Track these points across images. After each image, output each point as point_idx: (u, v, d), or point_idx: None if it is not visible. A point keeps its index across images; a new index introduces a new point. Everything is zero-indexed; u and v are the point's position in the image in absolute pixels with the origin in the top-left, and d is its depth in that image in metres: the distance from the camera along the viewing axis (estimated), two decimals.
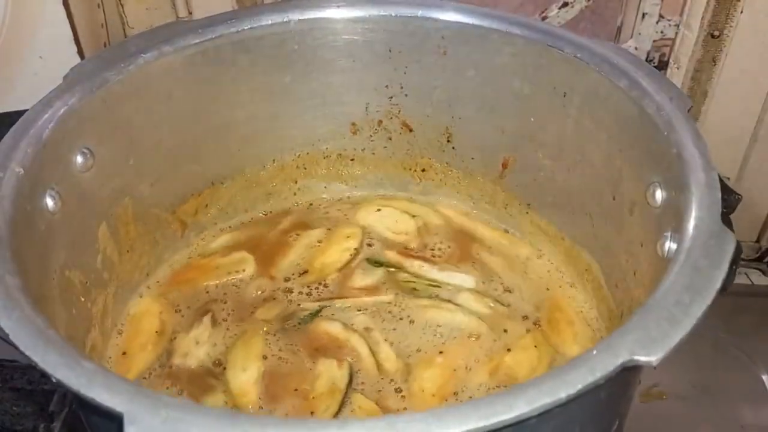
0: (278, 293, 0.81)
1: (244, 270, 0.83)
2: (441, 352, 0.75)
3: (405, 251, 0.85)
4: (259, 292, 0.81)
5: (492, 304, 0.79)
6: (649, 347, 0.46)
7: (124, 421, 0.44)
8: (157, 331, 0.77)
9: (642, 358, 0.46)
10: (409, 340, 0.76)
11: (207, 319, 0.78)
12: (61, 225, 0.67)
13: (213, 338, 0.77)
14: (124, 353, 0.76)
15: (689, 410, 0.92)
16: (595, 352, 0.46)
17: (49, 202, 0.66)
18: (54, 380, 0.48)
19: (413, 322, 0.78)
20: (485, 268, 0.83)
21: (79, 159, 0.70)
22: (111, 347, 0.76)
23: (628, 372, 0.47)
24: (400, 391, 0.72)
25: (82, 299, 0.71)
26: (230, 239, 0.88)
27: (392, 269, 0.83)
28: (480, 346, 0.75)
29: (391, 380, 0.73)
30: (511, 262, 0.84)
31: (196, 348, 0.76)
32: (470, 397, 0.71)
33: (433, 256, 0.85)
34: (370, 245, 0.86)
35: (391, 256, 0.84)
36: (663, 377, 0.94)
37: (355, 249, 0.85)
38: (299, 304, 0.80)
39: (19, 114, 0.67)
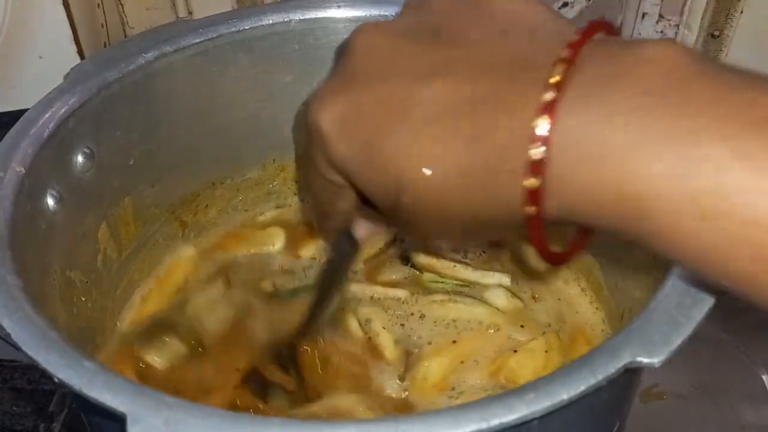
0: (298, 269, 0.83)
1: (273, 245, 0.85)
2: (454, 342, 0.74)
3: (437, 253, 0.83)
4: (281, 267, 0.83)
5: (519, 303, 0.78)
6: (651, 350, 0.46)
7: (127, 421, 0.44)
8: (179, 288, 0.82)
9: (644, 360, 0.46)
10: (418, 333, 0.76)
11: (221, 281, 0.81)
12: (62, 225, 0.67)
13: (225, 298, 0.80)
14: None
15: (689, 410, 0.92)
16: (597, 354, 0.46)
17: (50, 202, 0.66)
18: (56, 380, 0.48)
19: (424, 317, 0.77)
20: (515, 275, 0.81)
21: (80, 159, 0.70)
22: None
23: (630, 373, 0.47)
24: (403, 379, 0.72)
25: (83, 299, 0.71)
26: (276, 214, 0.90)
27: (418, 271, 0.82)
28: (494, 341, 0.74)
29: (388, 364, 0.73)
30: (542, 275, 0.81)
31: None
32: (460, 394, 0.71)
33: (464, 258, 0.83)
34: (403, 241, 0.85)
35: (422, 257, 0.83)
36: (663, 377, 0.94)
37: (386, 243, 0.85)
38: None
39: (19, 114, 0.67)
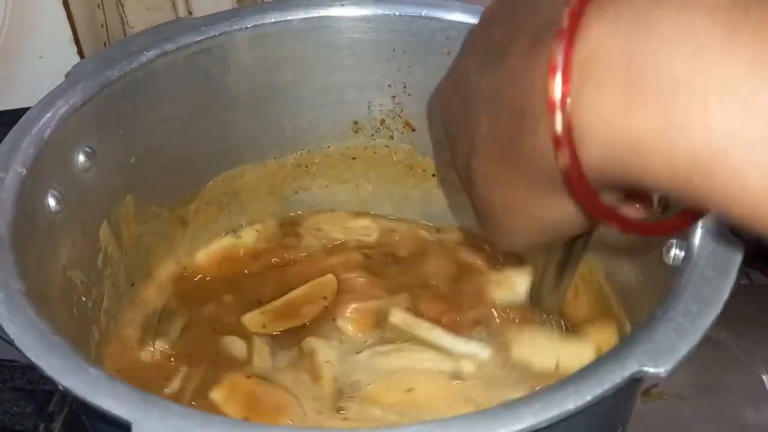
0: None
1: None
2: (410, 390, 0.70)
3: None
4: None
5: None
6: (657, 359, 0.46)
7: (132, 429, 0.44)
8: None
9: (651, 370, 0.46)
10: (356, 375, 0.73)
11: None
12: (63, 224, 0.67)
13: None
14: None
15: (689, 410, 0.92)
16: (603, 363, 0.46)
17: (51, 202, 0.65)
18: (61, 387, 0.48)
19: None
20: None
21: (81, 158, 0.69)
22: None
23: (636, 381, 0.47)
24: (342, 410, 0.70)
25: (83, 299, 0.71)
26: None
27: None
28: (461, 390, 0.70)
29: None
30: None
31: None
32: None
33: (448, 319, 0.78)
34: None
35: (398, 315, 0.78)
36: (663, 377, 0.94)
37: None
38: None
39: (20, 112, 0.66)
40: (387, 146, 0.89)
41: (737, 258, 0.53)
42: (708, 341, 0.95)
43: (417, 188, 0.90)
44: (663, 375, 0.46)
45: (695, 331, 0.48)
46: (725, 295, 0.50)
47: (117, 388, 0.47)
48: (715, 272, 0.52)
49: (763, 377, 0.95)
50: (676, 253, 0.60)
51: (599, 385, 0.45)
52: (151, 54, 0.74)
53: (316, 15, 0.79)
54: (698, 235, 0.55)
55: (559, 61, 0.37)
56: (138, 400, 0.46)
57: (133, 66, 0.73)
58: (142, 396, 0.47)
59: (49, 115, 0.66)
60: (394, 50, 0.81)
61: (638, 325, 0.49)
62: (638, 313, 0.68)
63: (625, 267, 0.71)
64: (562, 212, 0.44)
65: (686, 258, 0.54)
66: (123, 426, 0.45)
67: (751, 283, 1.11)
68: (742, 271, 1.11)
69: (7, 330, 0.50)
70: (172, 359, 0.75)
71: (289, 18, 0.79)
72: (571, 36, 0.36)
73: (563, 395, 0.45)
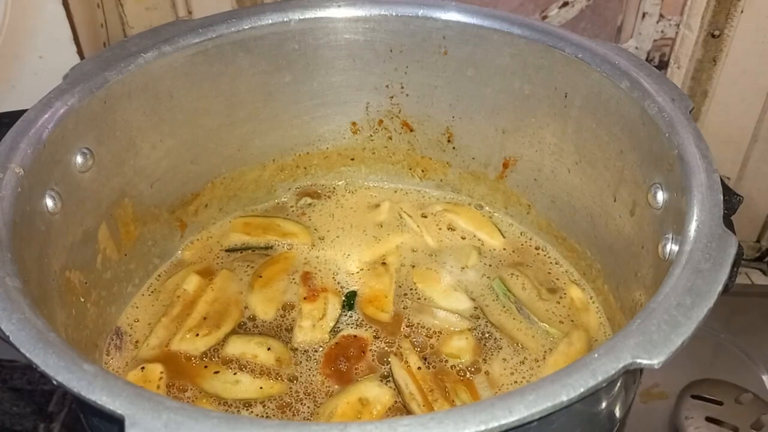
0: None
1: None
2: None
3: None
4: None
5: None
6: (650, 350, 0.46)
7: (126, 423, 0.44)
8: None
9: (644, 361, 0.46)
10: None
11: None
12: (61, 225, 0.67)
13: None
14: None
15: None
16: (596, 355, 0.46)
17: (49, 203, 0.66)
18: (55, 383, 0.48)
19: None
20: None
21: (79, 159, 0.70)
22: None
23: (630, 374, 0.47)
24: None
25: (82, 299, 0.71)
26: None
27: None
28: None
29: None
30: None
31: None
32: None
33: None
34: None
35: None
36: (663, 377, 0.94)
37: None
38: None
39: (19, 114, 0.66)
40: (386, 147, 0.89)
41: (731, 251, 0.52)
42: (708, 341, 0.96)
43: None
44: (657, 366, 0.46)
45: (688, 322, 0.47)
46: (719, 287, 0.50)
47: (111, 383, 0.47)
48: (710, 265, 0.52)
49: (763, 377, 0.94)
50: (671, 248, 0.60)
51: (592, 377, 0.45)
52: (149, 56, 0.74)
53: (313, 16, 0.80)
54: (693, 228, 0.55)
55: None
56: (132, 395, 0.46)
57: (131, 68, 0.73)
58: (136, 391, 0.47)
59: (46, 116, 0.67)
60: (391, 51, 0.81)
61: (633, 318, 0.49)
62: (636, 306, 0.68)
63: (622, 264, 0.72)
64: None
65: (680, 251, 0.53)
66: (117, 421, 0.45)
67: (751, 283, 1.11)
68: (742, 271, 1.12)
69: (2, 326, 0.50)
70: None
71: (285, 19, 0.79)
72: None
73: (557, 387, 0.44)
